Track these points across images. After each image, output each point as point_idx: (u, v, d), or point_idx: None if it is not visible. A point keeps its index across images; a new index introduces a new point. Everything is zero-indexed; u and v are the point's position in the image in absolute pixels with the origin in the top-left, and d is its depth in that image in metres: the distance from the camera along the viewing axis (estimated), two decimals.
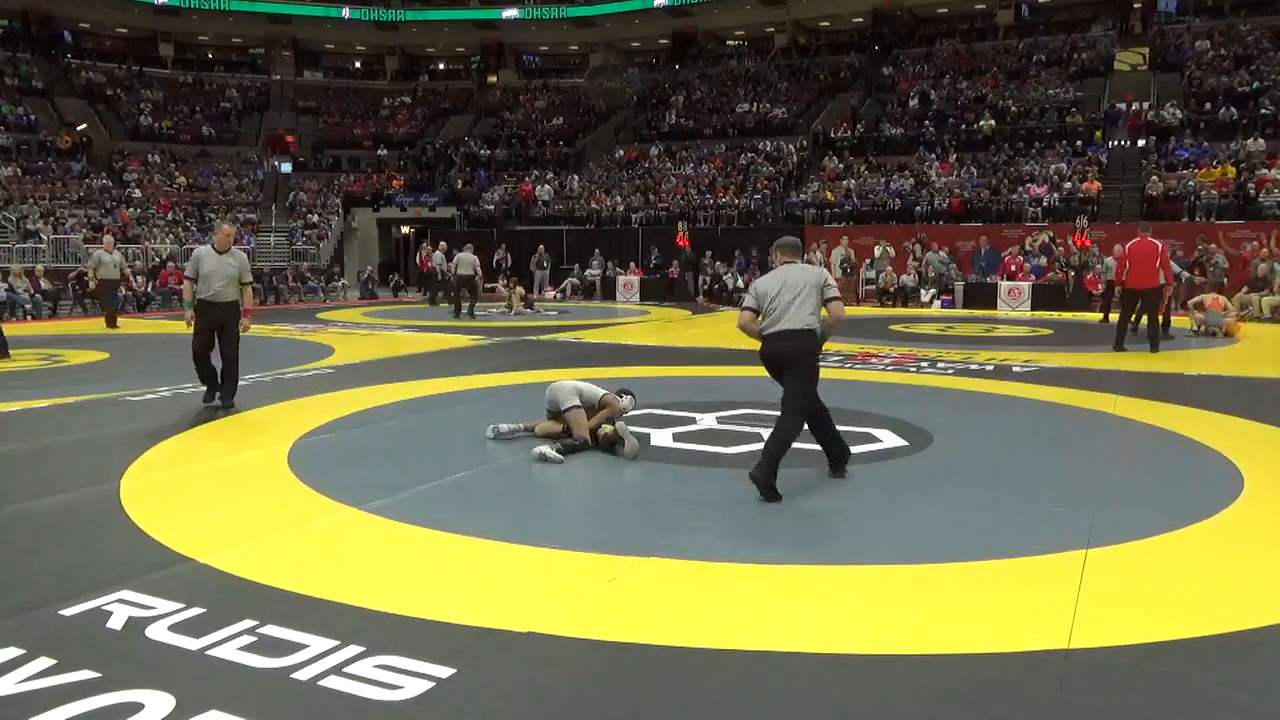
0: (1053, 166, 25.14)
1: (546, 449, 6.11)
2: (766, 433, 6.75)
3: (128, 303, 20.53)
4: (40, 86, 34.35)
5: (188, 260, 8.31)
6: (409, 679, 2.97)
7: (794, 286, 5.36)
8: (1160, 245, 11.96)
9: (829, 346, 14.26)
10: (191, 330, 8.07)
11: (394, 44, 42.90)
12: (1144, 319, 12.61)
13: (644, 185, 30.33)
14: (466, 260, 18.68)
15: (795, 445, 6.45)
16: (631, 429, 6.52)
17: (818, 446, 6.39)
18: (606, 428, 6.31)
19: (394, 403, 8.30)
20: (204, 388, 8.16)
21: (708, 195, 28.51)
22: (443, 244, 23.93)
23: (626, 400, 6.85)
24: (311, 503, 5.07)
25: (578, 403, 6.42)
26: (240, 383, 9.34)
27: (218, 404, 7.93)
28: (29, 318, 18.27)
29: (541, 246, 26.34)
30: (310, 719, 2.78)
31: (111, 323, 16.41)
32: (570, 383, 6.63)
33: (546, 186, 31.42)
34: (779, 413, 5.36)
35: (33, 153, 30.77)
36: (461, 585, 3.85)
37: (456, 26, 41.74)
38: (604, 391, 6.64)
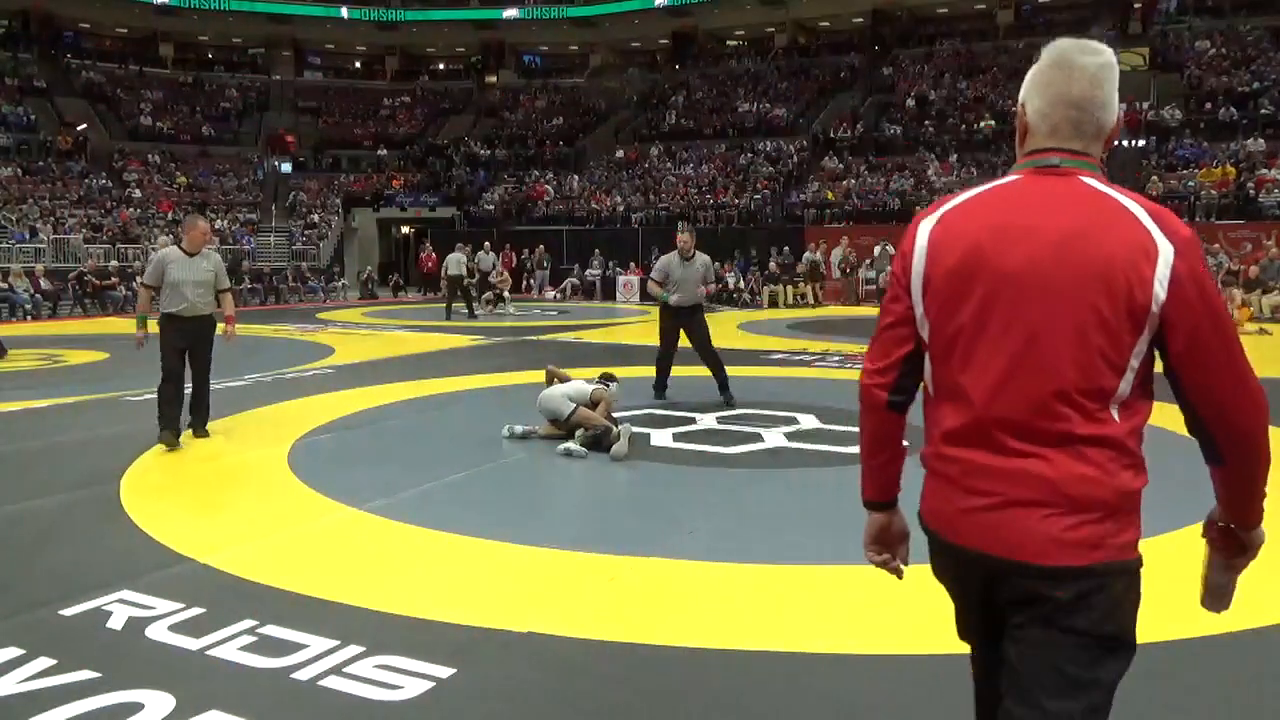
0: None
1: (571, 444, 6.15)
2: (767, 433, 6.79)
3: (128, 303, 20.53)
4: (40, 86, 34.34)
5: (149, 264, 6.70)
6: (409, 679, 2.97)
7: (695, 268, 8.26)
8: None
9: (830, 346, 14.16)
10: (158, 348, 6.54)
11: (394, 44, 42.89)
12: None
13: (644, 185, 30.33)
14: (454, 260, 18.77)
15: (793, 445, 6.45)
16: (632, 429, 6.52)
17: (818, 446, 6.40)
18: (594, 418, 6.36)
19: (394, 403, 8.30)
20: (161, 423, 6.40)
21: (708, 195, 28.51)
22: (487, 244, 23.39)
23: (614, 388, 6.87)
24: (311, 503, 5.07)
25: (573, 406, 6.43)
26: (240, 383, 9.24)
27: (178, 443, 6.36)
28: (29, 318, 18.26)
29: (541, 246, 26.32)
30: (310, 719, 2.78)
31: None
32: (559, 389, 6.62)
33: (546, 186, 31.44)
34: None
35: (33, 153, 30.76)
36: (461, 585, 3.85)
37: (456, 26, 41.73)
38: (591, 387, 6.65)
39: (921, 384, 1.69)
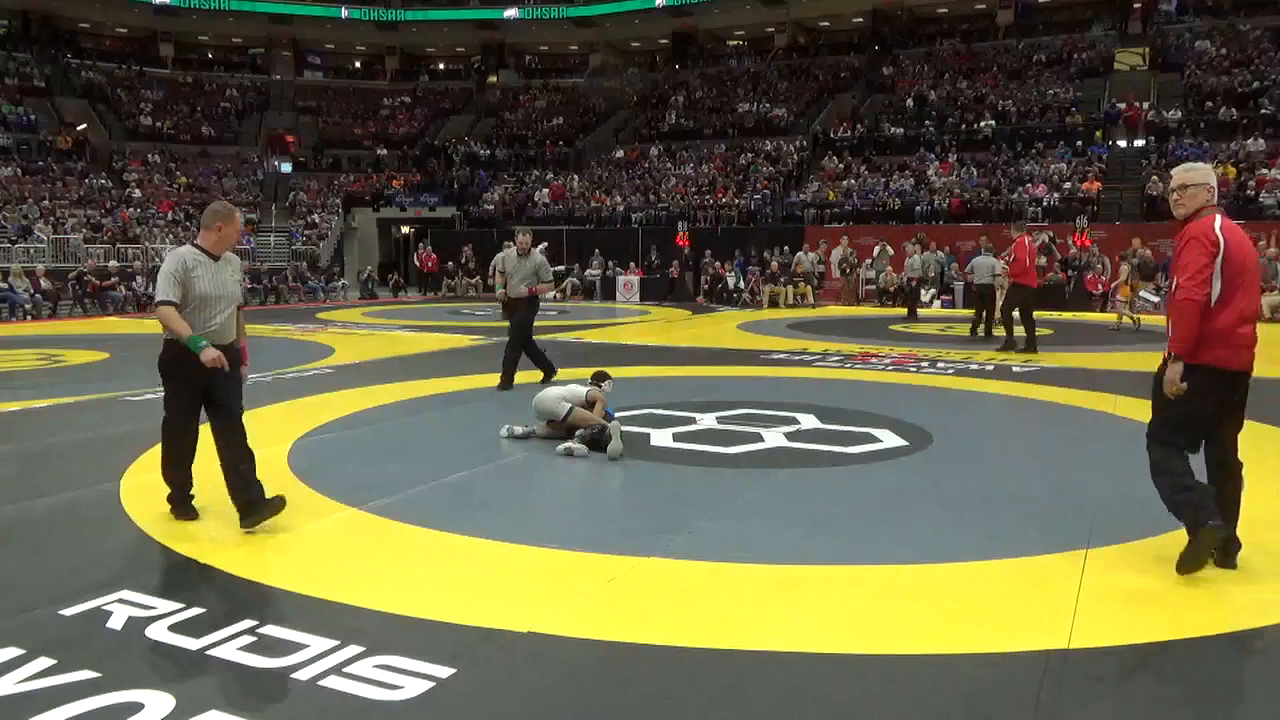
0: (1053, 166, 25.14)
1: (572, 444, 6.15)
2: (767, 433, 6.79)
3: (128, 303, 20.53)
4: (40, 86, 34.35)
5: (163, 273, 4.59)
6: (409, 679, 2.97)
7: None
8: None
9: (830, 346, 14.15)
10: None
11: (394, 44, 42.89)
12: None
13: (644, 185, 30.33)
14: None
15: (793, 445, 6.45)
16: (632, 429, 6.52)
17: (818, 446, 6.40)
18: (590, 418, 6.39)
19: (394, 403, 8.30)
20: (174, 496, 4.78)
21: (708, 195, 28.51)
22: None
23: (607, 385, 6.87)
24: (311, 503, 5.07)
25: (569, 406, 6.43)
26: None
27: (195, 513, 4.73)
28: (29, 318, 18.26)
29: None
30: (310, 719, 2.78)
31: None
32: (554, 391, 6.63)
33: (546, 190, 31.35)
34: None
35: (33, 153, 30.76)
36: (461, 585, 3.85)
37: (456, 26, 41.73)
38: (585, 388, 6.66)
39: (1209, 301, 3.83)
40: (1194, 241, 3.85)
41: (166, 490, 4.83)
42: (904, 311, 19.05)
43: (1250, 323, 3.86)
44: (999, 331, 13.03)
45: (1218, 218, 3.85)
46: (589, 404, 6.50)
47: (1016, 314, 12.20)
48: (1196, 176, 3.96)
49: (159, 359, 4.68)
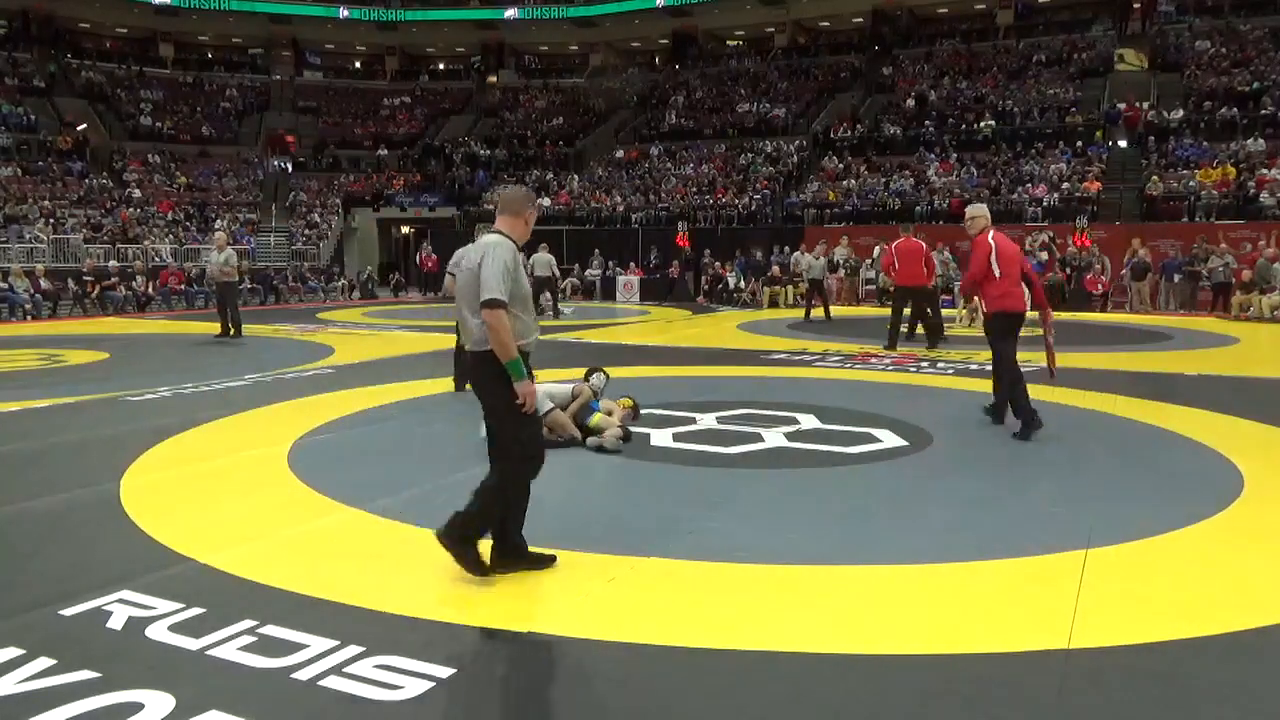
0: (1053, 166, 25.13)
1: (602, 440, 6.23)
2: (767, 433, 6.78)
3: (127, 303, 20.53)
4: (40, 86, 34.34)
5: (498, 264, 3.73)
6: (409, 679, 2.97)
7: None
8: (924, 245, 12.91)
9: (830, 346, 14.14)
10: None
11: (394, 44, 42.89)
12: (918, 319, 13.37)
13: (644, 185, 30.32)
14: (543, 261, 19.09)
15: (793, 445, 6.45)
16: (632, 429, 6.51)
17: (818, 446, 6.39)
18: (596, 418, 6.42)
19: (394, 403, 8.29)
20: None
21: (708, 195, 28.51)
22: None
23: (595, 379, 6.85)
24: (311, 503, 5.07)
25: (550, 406, 6.41)
26: (240, 383, 9.17)
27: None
28: (29, 318, 18.26)
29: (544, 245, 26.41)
30: (310, 719, 2.78)
31: (225, 330, 13.97)
32: (540, 389, 6.61)
33: (545, 200, 31.19)
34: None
35: (33, 153, 30.76)
36: (462, 585, 3.84)
37: (456, 26, 41.73)
38: (572, 385, 6.65)
39: (990, 276, 6.85)
40: (977, 247, 6.88)
41: (166, 487, 4.79)
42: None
43: (1017, 285, 6.81)
44: (920, 330, 13.17)
45: (990, 233, 6.87)
46: (574, 397, 6.52)
47: (914, 311, 12.99)
48: (972, 212, 7.03)
49: (482, 377, 3.83)
